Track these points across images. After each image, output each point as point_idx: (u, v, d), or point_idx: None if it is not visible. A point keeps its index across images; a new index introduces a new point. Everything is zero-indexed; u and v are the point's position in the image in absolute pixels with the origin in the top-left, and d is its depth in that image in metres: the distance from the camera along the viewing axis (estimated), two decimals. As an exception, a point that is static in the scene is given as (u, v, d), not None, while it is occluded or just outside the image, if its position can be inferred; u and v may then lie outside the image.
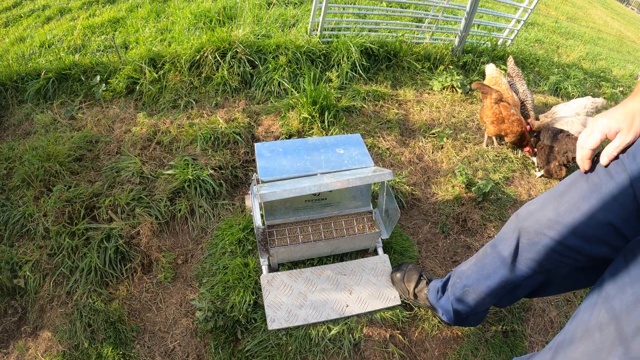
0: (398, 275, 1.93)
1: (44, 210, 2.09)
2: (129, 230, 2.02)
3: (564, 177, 2.76)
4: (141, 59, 2.89)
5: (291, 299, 1.80)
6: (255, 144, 1.89)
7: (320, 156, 1.89)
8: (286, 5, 4.08)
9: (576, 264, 1.23)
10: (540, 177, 2.89)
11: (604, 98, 4.07)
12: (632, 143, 1.04)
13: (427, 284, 1.87)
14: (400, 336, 1.88)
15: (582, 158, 1.12)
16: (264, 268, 1.87)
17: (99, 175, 2.30)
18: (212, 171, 2.27)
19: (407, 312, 1.95)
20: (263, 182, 1.74)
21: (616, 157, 1.04)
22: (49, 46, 3.52)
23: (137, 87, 2.83)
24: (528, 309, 2.12)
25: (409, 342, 1.90)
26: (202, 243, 2.07)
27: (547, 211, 1.24)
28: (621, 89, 4.45)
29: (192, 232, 2.11)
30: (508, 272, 1.38)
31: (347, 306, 1.83)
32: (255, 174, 2.05)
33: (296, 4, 4.22)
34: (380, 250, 2.07)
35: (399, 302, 1.90)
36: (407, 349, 1.88)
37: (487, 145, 3.00)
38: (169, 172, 2.25)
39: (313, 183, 1.61)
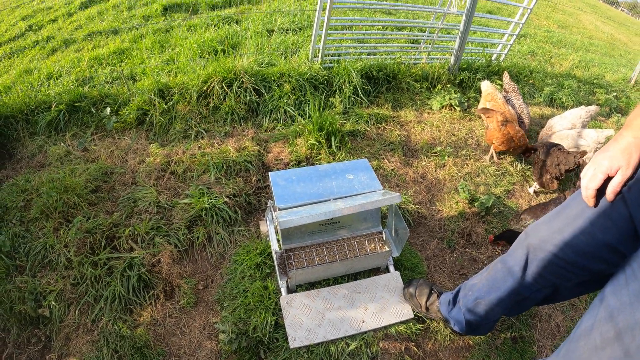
0: (410, 290, 2.09)
1: (64, 241, 2.24)
2: (150, 259, 2.17)
3: (556, 189, 2.96)
4: (150, 90, 3.07)
5: (310, 318, 1.95)
6: (270, 174, 2.06)
7: (331, 182, 2.06)
8: (286, 33, 4.30)
9: (580, 279, 1.37)
10: (533, 192, 3.04)
11: (598, 104, 4.29)
12: (633, 176, 1.17)
13: (438, 297, 2.02)
14: (414, 348, 2.03)
15: (588, 197, 1.24)
16: (283, 290, 2.02)
17: (116, 206, 2.46)
18: (226, 199, 2.43)
19: (420, 325, 2.09)
20: (280, 209, 1.90)
21: (619, 192, 1.18)
22: (56, 78, 3.69)
23: (148, 118, 3.01)
24: (535, 315, 2.27)
25: (423, 353, 2.04)
26: (221, 268, 2.23)
27: (549, 227, 1.39)
28: (615, 93, 4.67)
29: (210, 258, 2.27)
30: (518, 285, 1.53)
31: (364, 322, 1.98)
32: (270, 200, 2.23)
33: (296, 30, 4.44)
34: (391, 268, 2.23)
35: (412, 316, 2.05)
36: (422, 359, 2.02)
37: (490, 159, 3.19)
38: (185, 201, 2.41)
39: (328, 209, 1.78)
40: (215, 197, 2.42)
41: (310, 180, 2.07)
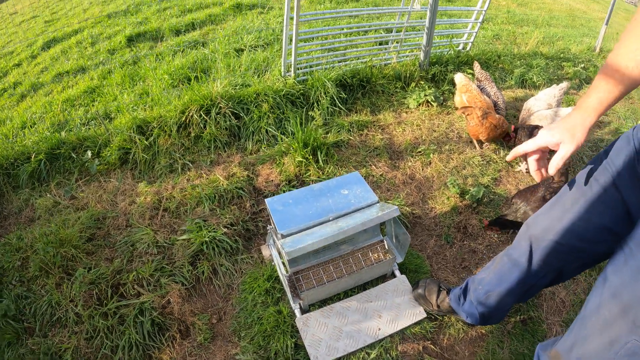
0: (419, 291, 2.20)
1: (69, 296, 2.27)
2: (159, 301, 2.23)
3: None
4: (128, 128, 3.11)
5: (328, 334, 2.04)
6: (266, 200, 2.14)
7: (328, 200, 2.15)
8: (255, 50, 4.37)
9: (583, 261, 1.50)
10: (524, 170, 3.22)
11: (567, 78, 4.48)
12: (575, 152, 1.28)
13: (447, 293, 2.15)
14: (431, 346, 2.14)
15: (511, 153, 1.35)
16: (297, 311, 2.11)
17: (115, 252, 2.50)
18: (225, 229, 2.50)
19: (433, 323, 2.22)
20: (283, 235, 1.98)
21: (563, 167, 1.29)
22: (31, 126, 3.68)
23: (130, 157, 3.05)
24: (539, 295, 2.41)
25: (440, 349, 2.16)
26: (231, 299, 2.30)
27: (548, 217, 1.51)
28: (582, 65, 4.87)
29: (219, 290, 2.34)
30: (525, 275, 1.65)
31: (380, 329, 2.09)
32: (269, 225, 2.31)
33: (264, 46, 4.52)
34: (397, 273, 2.35)
35: (425, 315, 2.17)
36: (440, 356, 2.14)
37: (480, 147, 3.39)
38: (184, 237, 2.47)
39: (331, 232, 1.88)
40: (213, 229, 2.49)
41: (307, 201, 2.15)
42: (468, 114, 3.21)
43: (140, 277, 2.31)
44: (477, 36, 4.35)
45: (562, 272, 1.61)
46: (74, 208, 2.80)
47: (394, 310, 2.17)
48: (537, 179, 1.35)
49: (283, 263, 2.14)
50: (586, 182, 1.36)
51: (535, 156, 1.32)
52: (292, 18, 3.16)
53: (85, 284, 2.27)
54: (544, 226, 1.52)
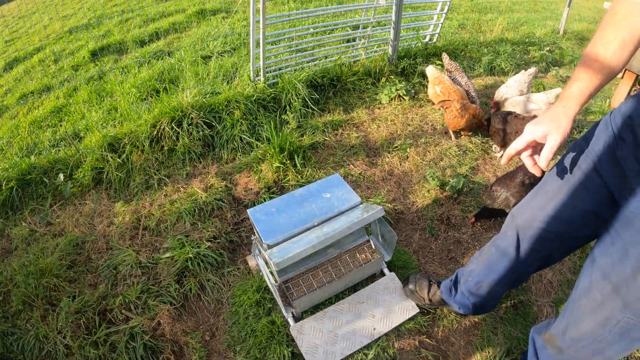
0: (410, 287, 2.23)
1: (56, 328, 2.22)
2: (149, 324, 2.20)
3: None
4: (99, 146, 3.05)
5: (324, 340, 2.06)
6: (249, 211, 2.14)
7: (311, 205, 2.16)
8: (222, 56, 4.33)
9: (570, 245, 1.54)
10: (501, 156, 3.30)
11: (534, 62, 4.59)
12: (563, 142, 1.27)
13: (438, 286, 2.19)
14: (427, 340, 2.19)
15: (506, 154, 1.35)
16: (290, 320, 2.11)
17: (98, 277, 2.46)
18: (208, 243, 2.48)
19: (427, 317, 2.26)
20: (269, 245, 1.98)
21: (553, 159, 1.31)
22: (-1, 152, 3.58)
23: (104, 176, 2.99)
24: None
25: (436, 341, 2.20)
26: (222, 314, 2.29)
27: (532, 206, 1.55)
28: (548, 48, 5.00)
29: (209, 306, 2.32)
30: (514, 264, 1.69)
31: (375, 329, 2.11)
32: (253, 235, 2.30)
33: (230, 52, 4.48)
34: (386, 271, 2.37)
35: (417, 310, 2.21)
36: (437, 349, 2.18)
37: (456, 137, 3.46)
38: (167, 255, 2.45)
39: (318, 238, 1.90)
40: (197, 244, 2.47)
41: (290, 208, 2.16)
42: (447, 107, 3.26)
43: (126, 300, 2.27)
44: (442, 27, 4.42)
45: (550, 257, 1.66)
46: (51, 235, 2.74)
47: (386, 308, 2.20)
48: (537, 174, 1.35)
49: (271, 272, 2.14)
50: (570, 171, 1.39)
51: (528, 152, 1.33)
52: (258, 21, 3.15)
53: (72, 314, 2.22)
54: (529, 215, 1.56)
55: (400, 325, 2.17)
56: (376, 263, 2.26)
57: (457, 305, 2.07)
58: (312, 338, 2.07)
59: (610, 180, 1.28)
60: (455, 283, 2.05)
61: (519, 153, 1.33)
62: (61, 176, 3.00)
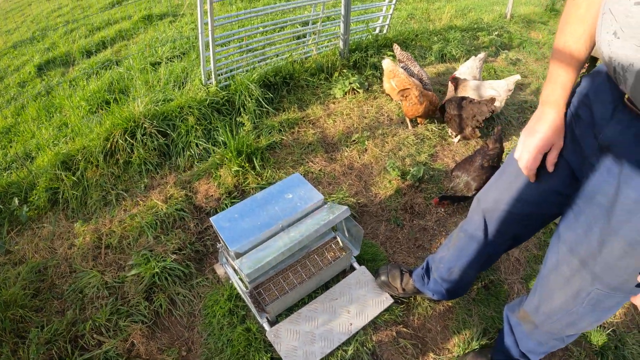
0: (382, 279, 2.25)
1: (29, 362, 2.12)
2: (123, 346, 2.12)
3: (479, 137, 3.27)
4: (52, 165, 2.91)
5: (302, 341, 2.04)
6: (211, 219, 2.08)
7: (274, 208, 2.13)
8: (171, 61, 4.21)
9: (536, 224, 1.58)
10: (458, 142, 3.35)
11: (484, 47, 4.68)
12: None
13: (410, 275, 2.21)
14: (404, 329, 2.21)
15: (530, 176, 1.39)
16: (266, 325, 2.08)
17: (64, 303, 2.34)
18: (173, 256, 2.42)
19: (401, 307, 2.29)
20: (236, 252, 1.94)
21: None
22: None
23: (60, 196, 2.85)
24: None
25: (413, 330, 2.23)
26: (196, 327, 2.23)
27: (496, 189, 1.58)
28: (496, 32, 5.11)
29: (181, 320, 2.26)
30: (483, 247, 1.72)
31: (351, 324, 2.11)
32: (218, 243, 2.25)
33: (180, 56, 4.36)
34: (355, 265, 2.38)
35: (392, 301, 2.22)
36: (414, 337, 2.20)
37: (413, 126, 3.49)
38: (133, 272, 2.36)
39: (286, 245, 1.88)
40: (162, 258, 2.40)
41: (253, 212, 2.11)
42: (406, 96, 3.28)
43: (97, 324, 2.18)
44: (392, 18, 4.43)
45: (518, 237, 1.69)
46: (12, 263, 2.58)
47: (360, 302, 2.20)
48: (532, 180, 1.40)
49: (241, 279, 2.11)
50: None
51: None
52: (206, 23, 3.07)
53: (42, 345, 2.11)
54: (493, 198, 1.58)
55: (376, 317, 2.18)
56: (345, 259, 2.25)
57: (431, 292, 2.09)
58: (290, 341, 2.05)
59: (571, 158, 1.30)
60: (427, 271, 2.08)
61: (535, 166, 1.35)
62: (16, 200, 2.84)
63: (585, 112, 1.21)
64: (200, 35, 3.15)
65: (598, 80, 1.18)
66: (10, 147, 3.52)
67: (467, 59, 4.05)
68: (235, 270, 2.15)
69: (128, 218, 2.68)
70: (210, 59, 3.29)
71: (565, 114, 1.29)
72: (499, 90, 3.31)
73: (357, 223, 2.21)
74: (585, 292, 1.28)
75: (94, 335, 2.15)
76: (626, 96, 1.05)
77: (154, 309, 2.27)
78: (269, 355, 2.03)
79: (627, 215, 1.08)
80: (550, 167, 1.34)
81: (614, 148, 1.09)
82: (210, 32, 3.11)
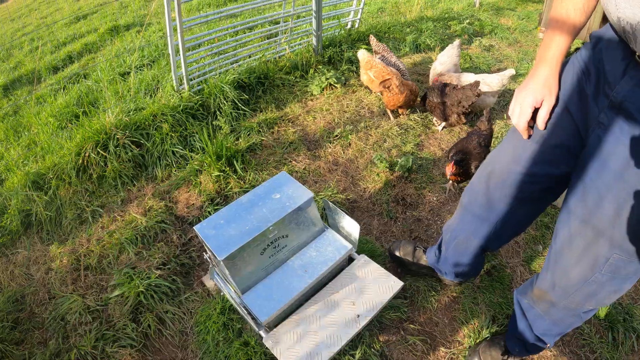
0: (396, 253, 2.15)
1: (12, 401, 1.88)
2: (111, 374, 1.89)
3: (464, 123, 3.11)
4: (23, 186, 2.65)
5: (305, 344, 1.80)
6: (195, 228, 1.86)
7: (261, 210, 1.92)
8: (140, 70, 3.96)
9: (543, 186, 1.46)
10: (442, 129, 3.19)
11: (457, 35, 4.56)
12: (557, 103, 1.29)
13: (424, 252, 2.11)
14: (411, 325, 2.05)
15: (522, 132, 1.36)
16: (263, 333, 1.85)
17: (46, 332, 2.09)
18: (158, 272, 2.19)
19: (405, 301, 2.13)
20: (226, 259, 1.73)
21: (549, 118, 1.29)
22: None
23: (33, 218, 2.59)
24: None
25: (420, 325, 2.07)
26: (189, 346, 2.00)
27: (503, 151, 1.50)
28: (467, 20, 5.00)
29: (173, 340, 2.03)
30: (489, 213, 1.61)
31: (358, 316, 1.87)
32: (205, 254, 2.03)
33: (150, 64, 4.11)
34: (355, 255, 2.14)
35: (401, 284, 1.95)
36: (422, 332, 2.04)
37: (395, 117, 3.31)
38: (116, 293, 2.13)
39: (301, 285, 1.84)
40: (146, 275, 2.17)
41: (240, 216, 1.90)
42: (387, 86, 3.11)
43: (82, 352, 1.93)
44: (363, 12, 4.27)
45: (525, 203, 1.54)
46: None
47: (365, 291, 1.96)
48: (525, 136, 1.37)
49: (234, 289, 1.89)
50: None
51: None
52: (175, 26, 2.86)
53: (26, 381, 1.87)
54: (500, 160, 1.51)
55: (384, 306, 1.94)
56: (344, 259, 2.05)
57: (443, 270, 1.99)
58: (291, 345, 1.81)
59: (577, 116, 1.26)
60: (440, 246, 1.97)
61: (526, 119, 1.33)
62: (-14, 226, 2.59)
63: (596, 70, 1.18)
64: (169, 38, 2.92)
65: (608, 38, 1.14)
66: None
67: (442, 47, 3.91)
68: (225, 278, 1.94)
69: (106, 235, 2.43)
70: (181, 63, 3.07)
71: (576, 72, 1.25)
72: (491, 85, 3.13)
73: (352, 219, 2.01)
74: (604, 259, 1.22)
75: (80, 366, 1.91)
76: (637, 54, 1.03)
77: (142, 330, 2.04)
78: (271, 367, 1.83)
79: None
80: (541, 125, 1.31)
81: (626, 105, 1.05)
82: (179, 35, 2.89)
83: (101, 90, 3.54)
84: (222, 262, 1.75)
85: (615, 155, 1.09)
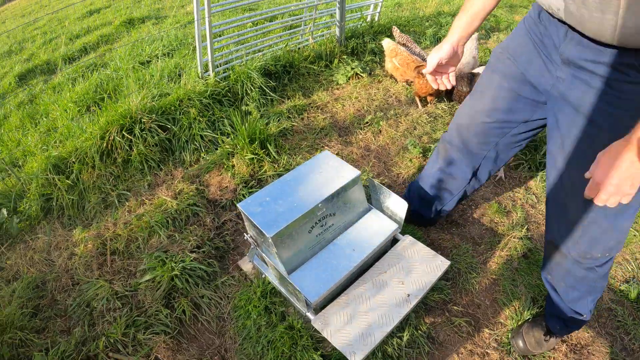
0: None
1: (35, 391, 1.69)
2: (145, 361, 1.71)
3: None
4: (43, 170, 2.47)
5: (357, 323, 1.64)
6: (240, 205, 1.70)
7: (308, 187, 1.76)
8: (158, 59, 3.80)
9: (518, 130, 1.57)
10: None
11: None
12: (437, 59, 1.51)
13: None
14: (455, 307, 1.95)
15: (431, 81, 1.59)
16: (310, 314, 1.68)
17: (69, 320, 1.91)
18: (193, 255, 2.02)
19: (447, 283, 2.03)
20: (275, 236, 1.57)
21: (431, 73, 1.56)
22: None
23: (54, 203, 2.42)
24: (516, 226, 2.32)
25: (463, 307, 1.97)
26: (228, 332, 1.83)
27: (469, 105, 1.66)
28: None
29: (209, 326, 1.86)
30: (466, 158, 1.74)
31: (409, 295, 1.72)
32: (246, 234, 1.86)
33: (169, 54, 3.95)
34: (399, 236, 1.98)
35: (448, 263, 1.81)
36: (466, 314, 1.94)
37: (423, 106, 3.17)
38: (147, 278, 1.95)
39: (350, 265, 1.69)
40: (180, 258, 1.99)
41: (286, 193, 1.74)
42: (421, 73, 2.96)
43: (112, 341, 1.76)
44: (383, 5, 4.14)
45: (498, 147, 1.66)
46: (4, 281, 2.12)
47: (413, 271, 1.80)
48: (434, 86, 1.60)
49: (277, 270, 1.73)
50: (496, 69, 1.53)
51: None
52: (203, 10, 2.71)
53: (51, 370, 1.68)
54: (467, 113, 1.66)
55: (434, 282, 1.78)
56: (390, 238, 1.89)
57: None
58: (341, 326, 1.64)
59: (531, 71, 1.39)
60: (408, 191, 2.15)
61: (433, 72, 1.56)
62: (4, 211, 2.40)
63: (547, 37, 1.29)
64: (196, 23, 2.78)
65: (546, 9, 1.27)
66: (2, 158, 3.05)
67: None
68: (270, 262, 1.78)
69: (134, 219, 2.26)
70: (208, 49, 2.92)
71: (528, 33, 1.39)
72: None
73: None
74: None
75: (110, 354, 1.73)
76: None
77: (177, 316, 1.87)
78: (318, 352, 1.67)
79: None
80: (439, 85, 1.60)
81: (574, 60, 1.19)
82: (207, 21, 2.75)
83: (121, 78, 3.38)
84: (270, 239, 1.59)
85: (581, 100, 1.21)
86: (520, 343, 1.78)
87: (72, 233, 2.30)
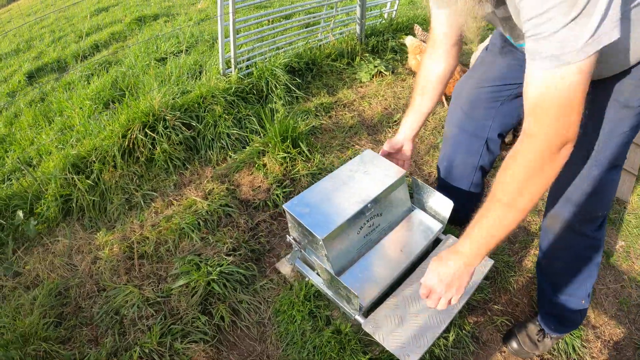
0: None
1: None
2: (184, 371, 1.60)
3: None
4: (61, 169, 2.35)
5: (408, 326, 1.57)
6: (286, 206, 1.59)
7: (354, 187, 1.67)
8: (176, 56, 3.69)
9: (514, 92, 1.59)
10: None
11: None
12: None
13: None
14: (495, 306, 1.90)
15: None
16: (360, 318, 1.59)
17: (97, 329, 1.80)
18: (229, 258, 1.91)
19: (487, 282, 1.98)
20: (327, 238, 1.47)
21: None
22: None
23: (74, 204, 2.30)
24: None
25: (502, 306, 1.92)
26: (269, 337, 1.73)
27: (467, 78, 1.72)
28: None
29: (250, 333, 1.75)
30: (474, 128, 1.72)
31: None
32: (289, 236, 1.75)
33: (187, 50, 3.84)
34: (442, 236, 1.91)
35: (492, 262, 1.77)
36: (506, 313, 1.90)
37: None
38: (180, 282, 1.84)
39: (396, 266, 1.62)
40: (217, 262, 1.89)
41: (332, 194, 1.65)
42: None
43: (146, 350, 1.64)
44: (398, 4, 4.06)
45: (501, 107, 1.65)
46: (23, 287, 1.99)
47: None
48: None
49: (324, 271, 1.63)
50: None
51: None
52: (227, 6, 2.62)
53: (80, 384, 1.57)
54: (467, 85, 1.70)
55: (479, 284, 1.73)
56: (435, 237, 1.81)
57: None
58: (392, 329, 1.56)
59: (510, 62, 1.54)
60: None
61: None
62: (20, 213, 2.27)
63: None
64: (219, 19, 2.68)
65: None
66: (7, 157, 2.92)
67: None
68: (315, 264, 1.67)
69: (163, 220, 2.15)
70: (231, 45, 2.82)
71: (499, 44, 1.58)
72: None
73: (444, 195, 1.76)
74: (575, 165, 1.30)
75: (147, 365, 1.62)
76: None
77: (215, 323, 1.76)
78: (367, 356, 1.57)
79: None
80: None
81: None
82: (230, 17, 2.66)
83: (137, 75, 3.26)
84: (321, 241, 1.49)
85: None
86: (514, 344, 1.73)
87: (94, 236, 2.19)
